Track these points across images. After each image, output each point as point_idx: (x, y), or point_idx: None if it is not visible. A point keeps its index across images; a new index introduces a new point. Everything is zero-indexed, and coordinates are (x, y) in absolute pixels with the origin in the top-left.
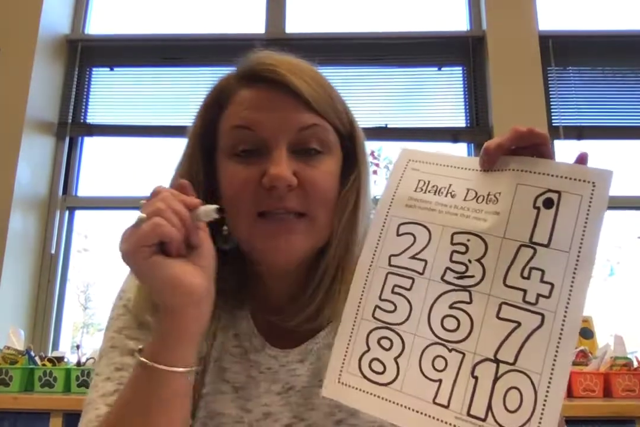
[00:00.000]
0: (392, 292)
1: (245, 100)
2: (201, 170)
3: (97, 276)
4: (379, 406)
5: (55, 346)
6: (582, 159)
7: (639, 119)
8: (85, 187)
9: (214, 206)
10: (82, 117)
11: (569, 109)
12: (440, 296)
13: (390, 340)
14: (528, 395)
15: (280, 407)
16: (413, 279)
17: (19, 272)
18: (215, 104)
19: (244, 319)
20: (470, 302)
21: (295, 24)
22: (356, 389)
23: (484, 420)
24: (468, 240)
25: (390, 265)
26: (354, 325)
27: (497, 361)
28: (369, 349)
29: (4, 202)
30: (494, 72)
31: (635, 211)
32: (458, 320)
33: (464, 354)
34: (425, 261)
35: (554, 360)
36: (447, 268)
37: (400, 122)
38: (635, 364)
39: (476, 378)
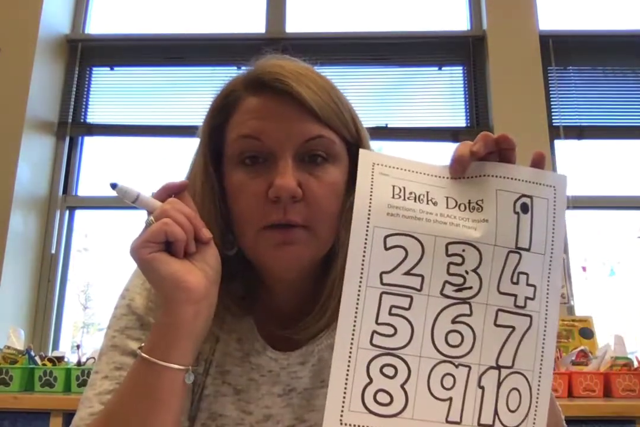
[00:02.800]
0: (390, 313)
1: (251, 108)
2: (212, 176)
3: (97, 276)
4: None
5: (56, 346)
6: (539, 159)
7: (639, 118)
8: (85, 186)
9: None
10: (82, 117)
11: (569, 108)
12: (441, 311)
13: (395, 367)
14: (525, 393)
15: (282, 409)
16: (411, 297)
17: (19, 271)
18: (222, 110)
19: (247, 323)
20: (470, 315)
21: (295, 23)
22: (362, 424)
23: (492, 426)
24: (463, 250)
25: (382, 284)
26: (350, 356)
27: (498, 367)
28: (371, 381)
29: (4, 202)
30: (495, 72)
31: (635, 211)
32: (461, 334)
33: (470, 367)
34: (422, 276)
35: (542, 356)
36: (446, 281)
37: (400, 122)
38: (636, 364)
39: (483, 388)
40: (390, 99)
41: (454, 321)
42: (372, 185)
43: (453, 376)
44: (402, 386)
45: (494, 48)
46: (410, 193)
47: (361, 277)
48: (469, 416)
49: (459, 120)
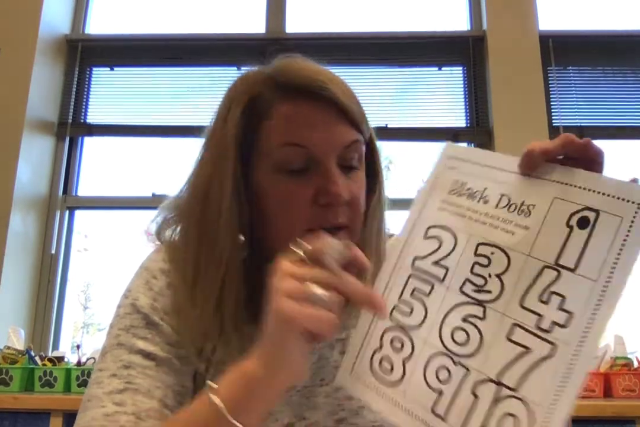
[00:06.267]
0: (411, 295)
1: (290, 115)
2: (241, 179)
3: (97, 276)
4: (383, 404)
5: (56, 346)
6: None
7: (639, 118)
8: (85, 187)
9: (342, 244)
10: (82, 117)
11: (569, 108)
12: (455, 306)
13: (402, 342)
14: (524, 425)
15: (281, 407)
16: (433, 285)
17: (19, 272)
18: (252, 113)
19: (248, 322)
20: (483, 318)
21: (295, 24)
22: (364, 383)
23: None
24: (492, 253)
25: (413, 268)
26: (372, 321)
27: (499, 384)
28: (381, 347)
29: (4, 202)
30: (494, 72)
31: None
32: (468, 334)
33: (468, 370)
34: (447, 269)
35: (558, 394)
36: (467, 279)
37: (400, 122)
38: (636, 364)
39: (476, 396)
40: (390, 99)
41: (464, 319)
42: (437, 179)
43: (449, 371)
44: (403, 361)
45: (494, 48)
46: (468, 189)
47: (398, 258)
48: (454, 416)
49: (459, 120)
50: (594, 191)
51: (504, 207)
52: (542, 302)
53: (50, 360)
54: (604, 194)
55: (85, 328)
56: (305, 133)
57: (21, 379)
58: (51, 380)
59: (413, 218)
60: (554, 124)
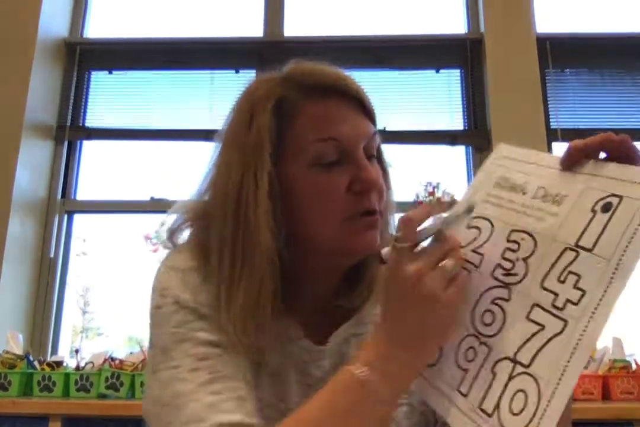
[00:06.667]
0: None
1: (320, 114)
2: (274, 176)
3: (96, 280)
4: (416, 382)
5: (54, 350)
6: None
7: (636, 121)
8: (84, 191)
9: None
10: (81, 121)
11: (567, 111)
12: (486, 290)
13: None
14: (532, 400)
15: (302, 400)
16: (470, 272)
17: (18, 276)
18: (280, 114)
19: (282, 311)
20: (508, 300)
21: (293, 27)
22: None
23: (490, 416)
24: (522, 239)
25: None
26: None
27: (514, 361)
28: None
29: (2, 206)
30: (492, 75)
31: None
32: (494, 315)
33: (490, 349)
34: (482, 255)
35: (564, 369)
36: (498, 264)
37: (398, 125)
38: (634, 367)
39: (494, 374)
40: (388, 102)
41: (492, 302)
42: (485, 175)
43: (475, 351)
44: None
45: (491, 51)
46: (511, 183)
47: None
48: (475, 394)
49: (456, 123)
50: (620, 180)
51: (540, 197)
52: (560, 281)
53: (49, 364)
54: (629, 181)
55: (84, 332)
56: (337, 127)
57: (20, 384)
58: (50, 384)
59: (461, 209)
60: (551, 126)
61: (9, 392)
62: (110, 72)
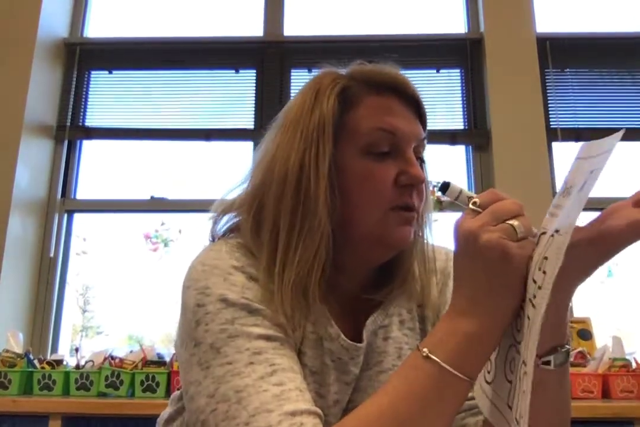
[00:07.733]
0: None
1: (380, 106)
2: (332, 160)
3: (96, 279)
4: (483, 401)
5: (54, 349)
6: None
7: (636, 120)
8: (84, 190)
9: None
10: (81, 120)
11: (567, 111)
12: (526, 302)
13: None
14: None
15: (347, 396)
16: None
17: (18, 275)
18: (343, 100)
19: (320, 308)
20: (534, 307)
21: (293, 27)
22: (482, 387)
23: (518, 423)
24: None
25: None
26: None
27: (524, 363)
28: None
29: (2, 206)
30: (492, 75)
31: None
32: (522, 322)
33: (520, 354)
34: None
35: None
36: (533, 278)
37: None
38: (634, 365)
39: (520, 380)
40: None
41: (523, 311)
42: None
43: (515, 361)
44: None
45: (491, 51)
46: (571, 186)
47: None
48: (515, 403)
49: (456, 122)
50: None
51: (568, 196)
52: (541, 271)
53: (49, 363)
54: (602, 153)
55: (84, 331)
56: (394, 121)
57: (20, 383)
58: (50, 383)
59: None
60: (551, 126)
61: (9, 391)
62: (110, 72)
